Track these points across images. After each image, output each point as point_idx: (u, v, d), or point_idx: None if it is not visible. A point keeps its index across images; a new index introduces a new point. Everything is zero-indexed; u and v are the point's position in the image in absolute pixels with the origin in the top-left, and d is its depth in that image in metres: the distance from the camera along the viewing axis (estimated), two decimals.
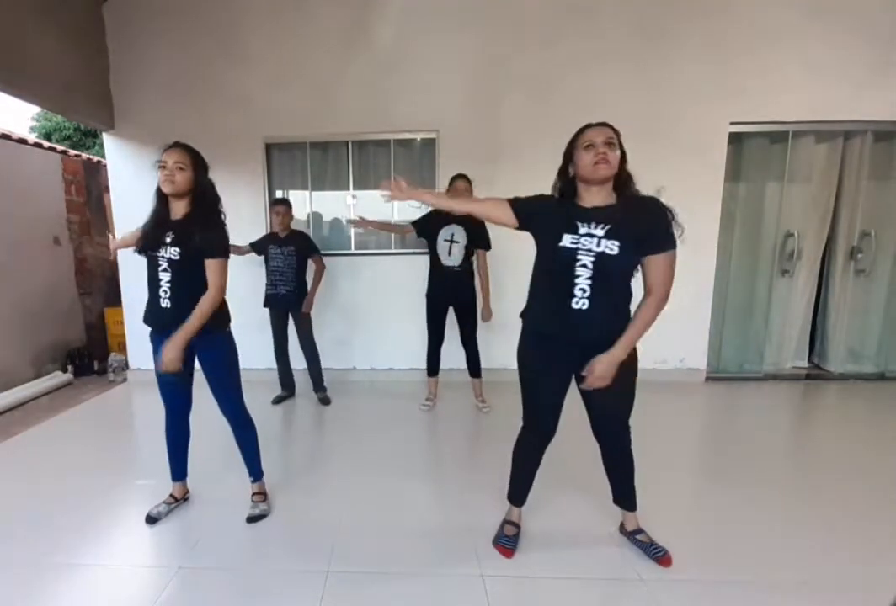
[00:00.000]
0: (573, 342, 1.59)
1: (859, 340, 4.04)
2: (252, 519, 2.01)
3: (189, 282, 1.84)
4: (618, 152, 1.51)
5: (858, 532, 1.93)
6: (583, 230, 1.52)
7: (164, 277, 1.83)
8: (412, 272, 3.89)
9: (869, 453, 2.65)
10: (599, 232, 1.50)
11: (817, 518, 2.03)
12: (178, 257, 1.80)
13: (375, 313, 4.01)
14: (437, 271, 3.14)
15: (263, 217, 3.93)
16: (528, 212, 1.63)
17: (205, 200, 1.85)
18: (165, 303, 1.84)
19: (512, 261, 3.68)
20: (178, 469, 2.12)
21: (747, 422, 3.21)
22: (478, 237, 3.06)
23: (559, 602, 1.58)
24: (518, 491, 1.87)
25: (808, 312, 4.08)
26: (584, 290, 1.51)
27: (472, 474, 2.41)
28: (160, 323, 1.89)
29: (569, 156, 1.59)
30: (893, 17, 3.48)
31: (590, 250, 1.49)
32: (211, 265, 1.82)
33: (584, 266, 1.50)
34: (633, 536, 1.82)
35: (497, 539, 1.84)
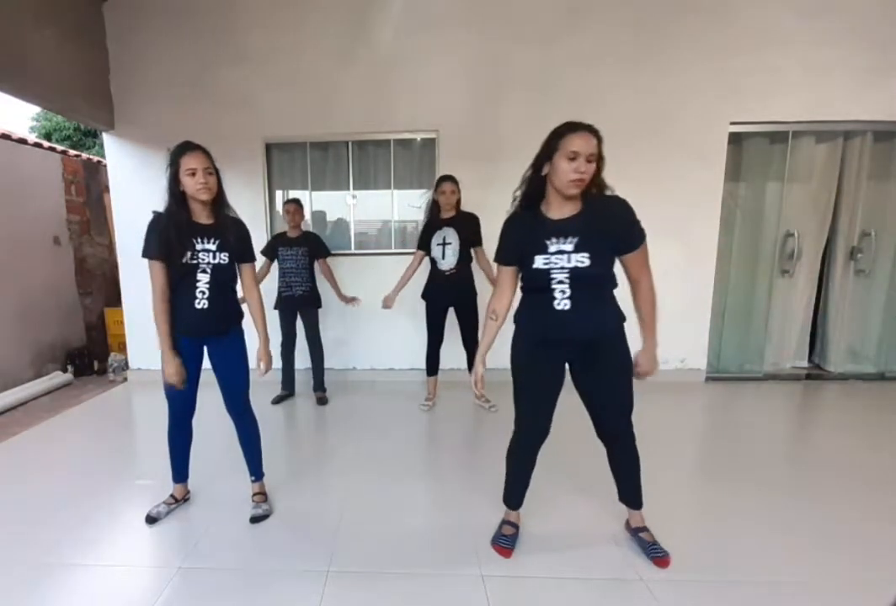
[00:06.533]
0: (564, 341, 1.61)
1: (859, 340, 4.04)
2: (256, 520, 2.01)
3: (227, 283, 1.91)
4: (594, 165, 1.48)
5: (858, 532, 1.93)
6: (553, 248, 1.53)
7: (203, 278, 1.83)
8: None
9: (869, 453, 2.65)
10: (569, 246, 1.51)
11: (817, 518, 2.03)
12: (227, 261, 1.86)
13: (376, 313, 3.99)
14: (434, 274, 3.17)
15: (263, 217, 3.94)
16: (513, 258, 1.65)
17: (225, 202, 1.89)
18: (202, 305, 1.84)
19: None
20: (181, 471, 2.11)
21: (747, 422, 3.21)
22: (470, 235, 3.06)
23: (559, 602, 1.58)
24: (514, 495, 1.87)
25: (808, 312, 4.08)
26: (563, 293, 1.53)
27: (473, 474, 2.41)
28: (196, 324, 1.88)
29: (547, 156, 1.52)
30: (893, 17, 3.48)
31: (562, 268, 1.51)
32: (248, 268, 1.99)
33: (560, 282, 1.53)
34: (636, 533, 1.82)
35: (495, 538, 1.85)
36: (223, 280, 1.88)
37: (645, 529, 1.82)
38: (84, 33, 3.59)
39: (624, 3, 3.57)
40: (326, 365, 3.57)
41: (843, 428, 3.06)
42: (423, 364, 3.39)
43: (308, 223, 3.99)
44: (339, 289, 3.48)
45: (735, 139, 3.73)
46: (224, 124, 3.78)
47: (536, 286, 1.58)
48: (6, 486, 2.37)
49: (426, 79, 3.70)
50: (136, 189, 3.92)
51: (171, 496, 2.12)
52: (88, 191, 5.00)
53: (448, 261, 3.06)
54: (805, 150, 3.76)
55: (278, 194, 4.06)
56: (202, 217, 1.86)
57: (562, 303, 1.53)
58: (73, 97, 3.50)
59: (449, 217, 3.08)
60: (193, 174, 1.74)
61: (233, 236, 1.88)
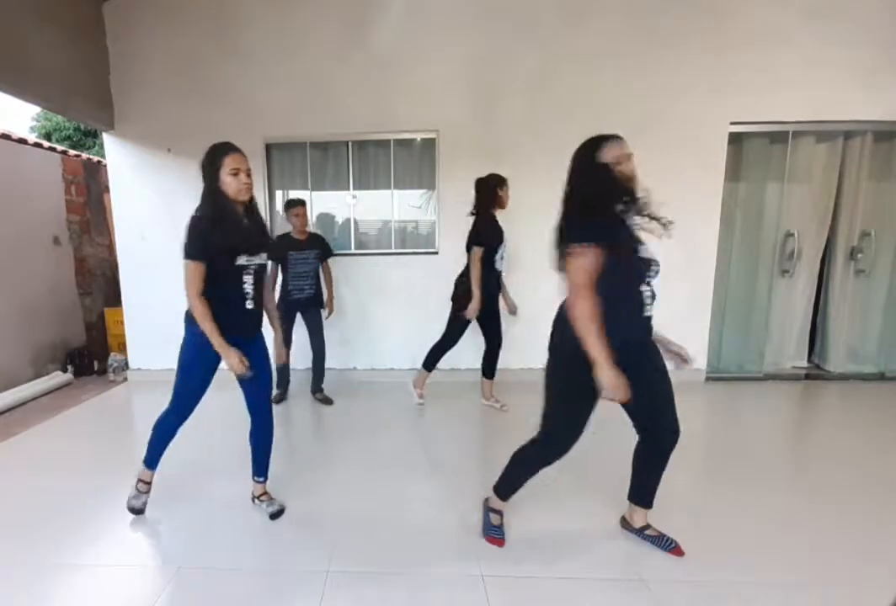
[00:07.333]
0: (633, 344, 1.59)
1: (859, 340, 4.04)
2: (275, 515, 2.03)
3: (262, 282, 1.95)
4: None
5: (859, 532, 1.93)
6: (643, 243, 1.55)
7: (248, 280, 1.86)
8: (413, 272, 3.89)
9: (869, 453, 2.65)
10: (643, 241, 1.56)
11: (817, 518, 2.03)
12: (265, 262, 1.91)
13: (376, 313, 4.01)
14: (490, 275, 3.03)
15: (264, 217, 3.93)
16: (613, 238, 1.48)
17: (254, 203, 1.91)
18: (250, 305, 1.88)
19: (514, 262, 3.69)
20: (157, 460, 2.06)
21: (747, 422, 3.21)
22: None
23: (559, 602, 1.58)
24: (511, 491, 1.86)
25: (807, 312, 4.08)
26: (650, 297, 1.56)
27: (474, 473, 2.41)
28: (246, 326, 1.90)
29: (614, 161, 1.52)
30: (893, 17, 3.48)
31: (651, 259, 1.55)
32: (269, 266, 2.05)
33: (651, 277, 1.56)
34: (643, 532, 1.84)
35: (487, 530, 1.87)
36: (260, 281, 1.92)
37: (649, 526, 1.84)
38: (84, 33, 3.59)
39: (624, 4, 3.57)
40: (326, 365, 3.57)
41: (843, 428, 3.06)
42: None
43: (309, 223, 3.99)
44: (332, 292, 3.52)
45: (735, 139, 3.73)
46: (224, 124, 3.77)
47: (633, 282, 1.53)
48: (6, 486, 2.37)
49: (426, 79, 3.70)
50: (136, 189, 3.92)
51: (144, 482, 2.07)
52: (88, 191, 5.00)
53: (504, 262, 3.07)
54: (805, 150, 3.76)
55: (278, 194, 4.06)
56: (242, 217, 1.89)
57: (648, 309, 1.56)
58: (73, 97, 3.50)
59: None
60: (237, 174, 1.75)
61: (265, 235, 1.94)
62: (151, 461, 2.07)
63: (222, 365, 1.93)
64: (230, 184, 1.76)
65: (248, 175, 1.80)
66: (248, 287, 1.86)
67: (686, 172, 3.65)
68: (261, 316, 1.96)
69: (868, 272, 3.90)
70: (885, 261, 3.89)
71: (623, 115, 3.64)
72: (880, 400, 3.56)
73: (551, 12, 3.59)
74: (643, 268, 1.54)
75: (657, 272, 1.57)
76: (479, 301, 2.95)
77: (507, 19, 3.61)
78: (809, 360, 4.21)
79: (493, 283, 3.08)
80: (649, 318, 1.58)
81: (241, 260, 1.81)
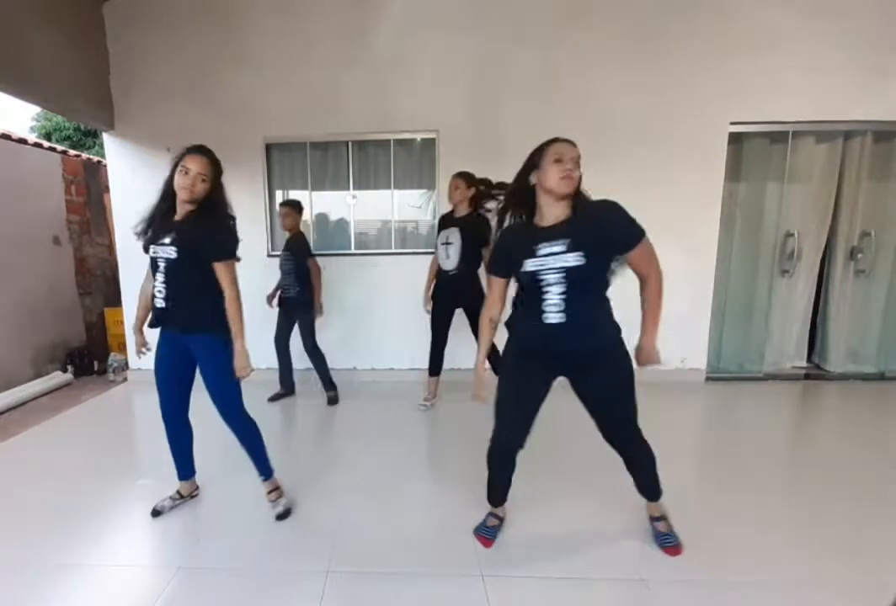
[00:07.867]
0: (555, 354, 1.62)
1: (859, 340, 4.04)
2: (281, 517, 2.02)
3: (185, 284, 1.83)
4: (580, 171, 1.56)
5: (858, 532, 1.93)
6: (543, 251, 1.55)
7: (160, 277, 1.84)
8: (412, 272, 3.88)
9: (868, 453, 2.65)
10: (559, 248, 1.53)
11: (816, 518, 2.03)
12: (174, 256, 1.80)
13: (376, 313, 4.01)
14: (439, 274, 3.18)
15: (264, 217, 3.94)
16: (505, 268, 1.70)
17: (212, 207, 1.85)
18: (160, 303, 1.86)
19: None
20: (182, 468, 2.11)
21: (747, 422, 3.21)
22: (475, 237, 2.97)
23: (559, 602, 1.58)
24: (495, 495, 1.89)
25: (807, 312, 4.08)
26: (556, 305, 1.55)
27: (473, 474, 2.40)
28: (157, 320, 1.91)
29: (533, 164, 1.59)
30: (893, 17, 3.48)
31: (558, 268, 1.53)
32: (219, 268, 1.83)
33: (550, 284, 1.55)
34: (652, 522, 1.84)
35: (478, 528, 1.89)
36: (180, 281, 1.83)
37: (661, 518, 1.83)
38: (84, 33, 3.59)
39: (624, 4, 3.57)
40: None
41: (842, 429, 3.06)
42: (423, 364, 3.39)
43: (309, 223, 3.99)
44: (320, 295, 3.37)
45: (735, 139, 3.73)
46: (224, 124, 3.78)
47: (528, 291, 1.62)
48: (6, 487, 2.37)
49: (426, 79, 3.70)
50: (136, 189, 3.92)
51: (177, 492, 2.12)
52: (88, 191, 5.00)
53: (451, 261, 3.03)
54: (805, 150, 3.76)
55: (278, 194, 4.06)
56: (181, 214, 1.86)
57: (552, 316, 1.55)
58: (73, 97, 3.50)
59: (459, 216, 3.06)
60: (186, 173, 1.76)
61: (195, 234, 1.80)
62: (177, 471, 2.11)
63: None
64: (175, 180, 1.79)
65: (203, 181, 1.77)
66: (159, 283, 1.84)
67: (686, 172, 3.65)
68: (179, 315, 1.85)
69: (868, 272, 3.90)
70: (885, 261, 3.89)
71: (623, 115, 3.65)
72: (880, 401, 3.56)
73: (551, 12, 3.59)
74: (532, 279, 1.57)
75: (562, 277, 1.52)
76: (424, 296, 3.29)
77: (507, 20, 3.61)
78: (809, 360, 4.21)
79: (440, 283, 3.17)
80: (555, 326, 1.55)
81: (151, 251, 1.86)
